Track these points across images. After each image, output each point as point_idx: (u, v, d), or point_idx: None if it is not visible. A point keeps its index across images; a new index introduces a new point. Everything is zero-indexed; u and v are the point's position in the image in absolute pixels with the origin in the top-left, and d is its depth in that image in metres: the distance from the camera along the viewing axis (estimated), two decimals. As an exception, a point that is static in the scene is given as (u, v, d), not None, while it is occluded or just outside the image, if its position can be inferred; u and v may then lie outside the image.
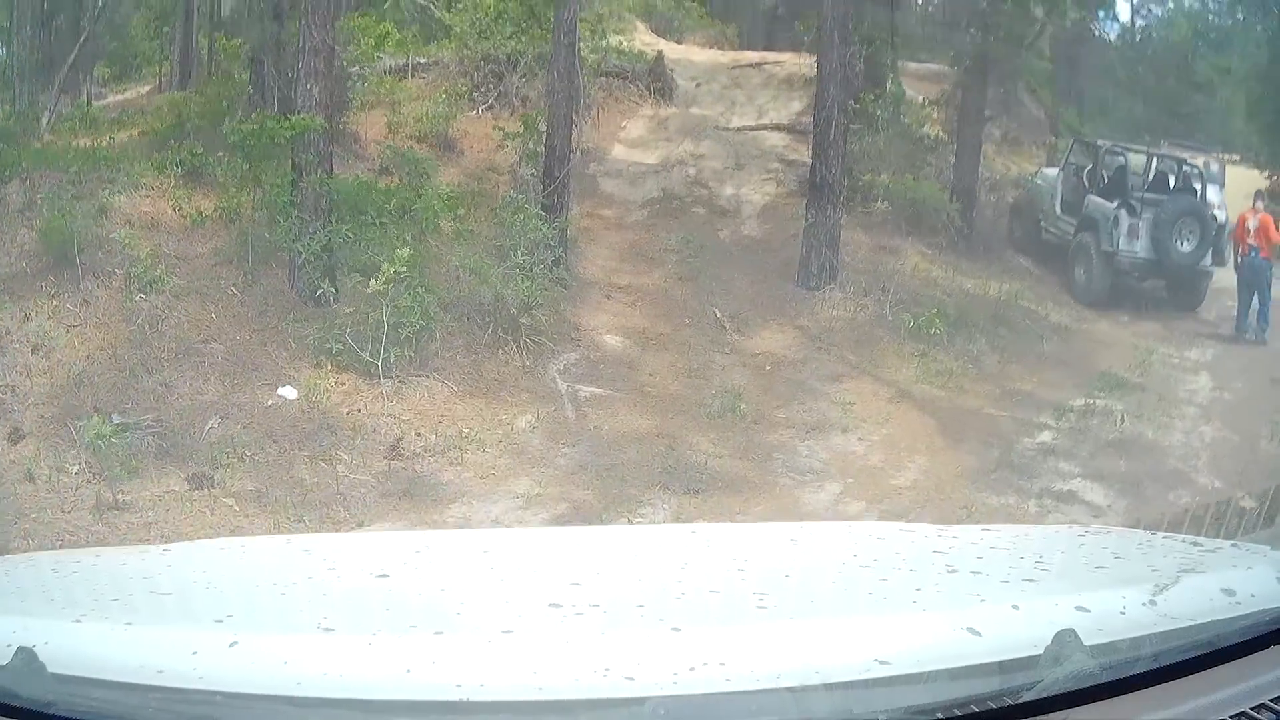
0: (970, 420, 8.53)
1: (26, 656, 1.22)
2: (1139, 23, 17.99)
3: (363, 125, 11.84)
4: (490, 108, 13.91)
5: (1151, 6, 17.78)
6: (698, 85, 16.19)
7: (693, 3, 21.39)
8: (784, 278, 10.92)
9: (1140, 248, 11.49)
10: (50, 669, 1.21)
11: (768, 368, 9.36)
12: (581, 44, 14.55)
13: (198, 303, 8.52)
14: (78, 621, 1.44)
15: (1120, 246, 11.51)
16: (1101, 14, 16.82)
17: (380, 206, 9.20)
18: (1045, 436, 8.24)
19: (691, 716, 1.17)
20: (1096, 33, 16.86)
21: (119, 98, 14.80)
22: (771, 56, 17.80)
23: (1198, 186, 12.08)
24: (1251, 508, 2.38)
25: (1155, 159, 12.58)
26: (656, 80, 15.52)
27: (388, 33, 13.88)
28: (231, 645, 1.27)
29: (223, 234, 9.25)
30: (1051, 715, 1.20)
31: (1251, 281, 10.95)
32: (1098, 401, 8.78)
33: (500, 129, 12.03)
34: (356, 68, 12.06)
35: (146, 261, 8.30)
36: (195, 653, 1.25)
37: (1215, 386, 9.74)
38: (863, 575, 1.77)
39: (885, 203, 11.84)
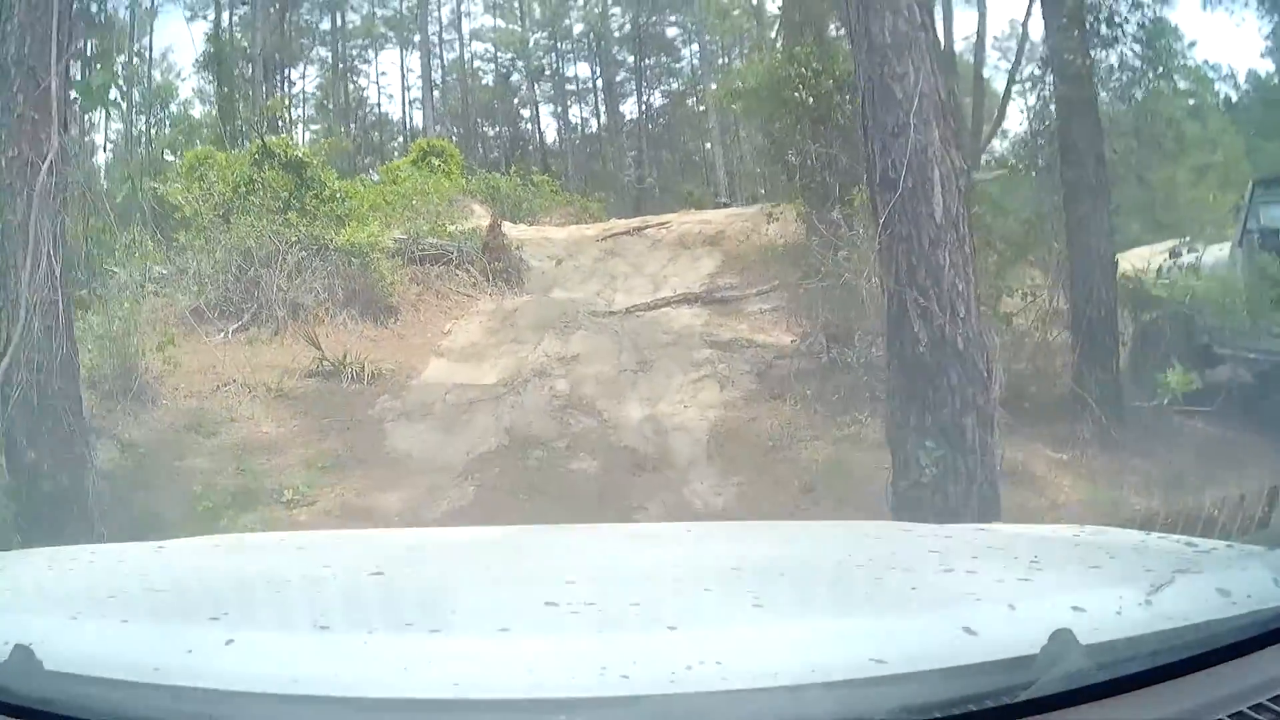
0: None
1: (23, 654, 1.21)
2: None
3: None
4: (244, 327, 9.76)
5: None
6: (559, 263, 12.39)
7: (543, 177, 18.96)
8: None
9: None
10: (47, 666, 1.21)
11: None
12: (396, 229, 11.28)
13: None
14: (74, 619, 1.44)
15: None
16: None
17: None
18: None
19: (688, 716, 1.17)
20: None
21: None
22: (654, 219, 14.59)
23: None
24: (1247, 507, 2.38)
25: None
26: (496, 260, 11.70)
27: (134, 239, 9.80)
28: (227, 643, 1.27)
29: None
30: (1047, 715, 1.20)
31: None
32: None
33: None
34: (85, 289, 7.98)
35: None
36: (191, 650, 1.26)
37: None
38: (859, 574, 1.78)
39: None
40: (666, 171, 25.20)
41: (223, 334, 9.61)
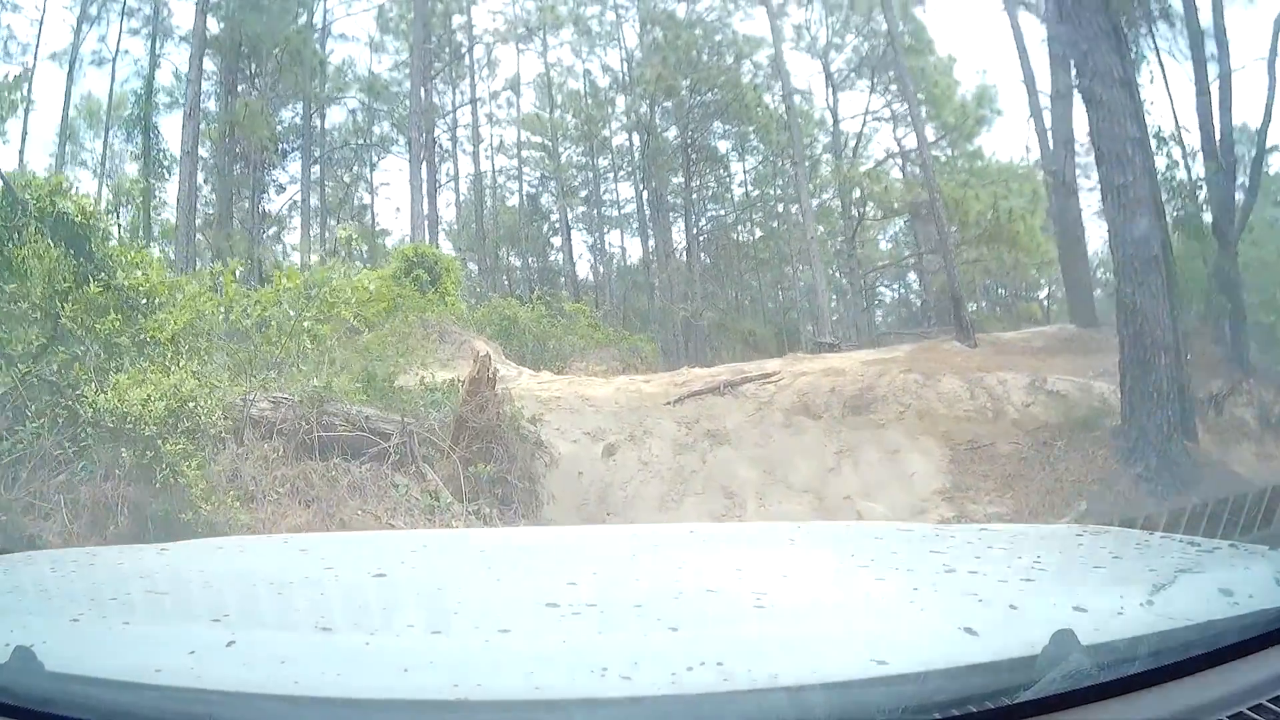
0: None
1: (24, 655, 1.22)
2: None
3: None
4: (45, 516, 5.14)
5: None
6: (611, 454, 7.10)
7: (578, 305, 14.70)
8: None
9: None
10: (48, 668, 1.21)
11: None
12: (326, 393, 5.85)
13: None
14: (75, 620, 1.44)
15: None
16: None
17: None
18: None
19: (689, 717, 1.17)
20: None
21: None
22: (750, 367, 9.36)
23: None
24: (1249, 507, 2.38)
25: None
26: (480, 451, 6.06)
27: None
28: (229, 644, 1.27)
29: None
30: (1049, 716, 1.20)
31: None
32: None
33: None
34: None
35: None
36: (193, 652, 1.26)
37: None
38: (860, 575, 1.77)
39: None
40: (718, 307, 21.46)
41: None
